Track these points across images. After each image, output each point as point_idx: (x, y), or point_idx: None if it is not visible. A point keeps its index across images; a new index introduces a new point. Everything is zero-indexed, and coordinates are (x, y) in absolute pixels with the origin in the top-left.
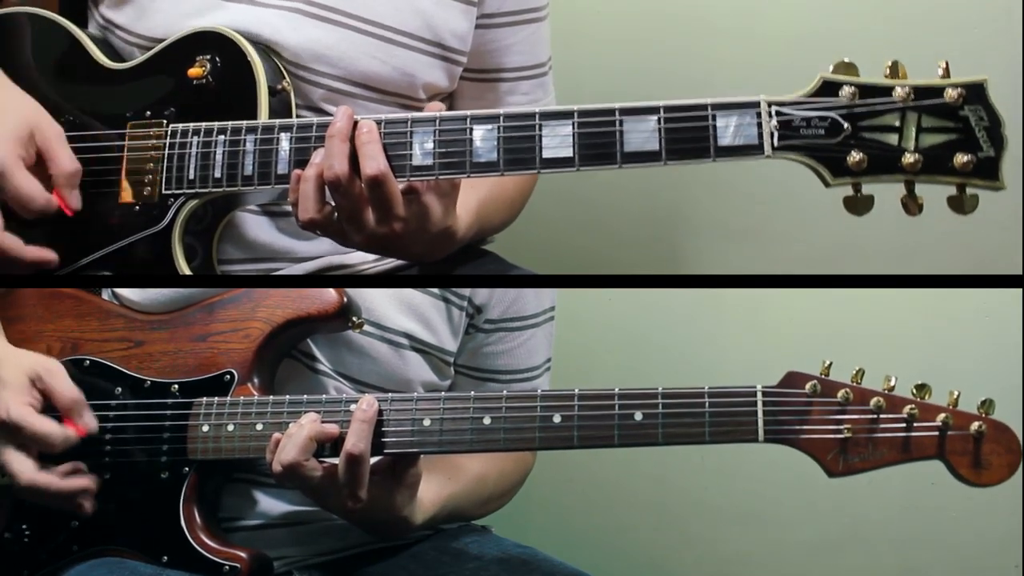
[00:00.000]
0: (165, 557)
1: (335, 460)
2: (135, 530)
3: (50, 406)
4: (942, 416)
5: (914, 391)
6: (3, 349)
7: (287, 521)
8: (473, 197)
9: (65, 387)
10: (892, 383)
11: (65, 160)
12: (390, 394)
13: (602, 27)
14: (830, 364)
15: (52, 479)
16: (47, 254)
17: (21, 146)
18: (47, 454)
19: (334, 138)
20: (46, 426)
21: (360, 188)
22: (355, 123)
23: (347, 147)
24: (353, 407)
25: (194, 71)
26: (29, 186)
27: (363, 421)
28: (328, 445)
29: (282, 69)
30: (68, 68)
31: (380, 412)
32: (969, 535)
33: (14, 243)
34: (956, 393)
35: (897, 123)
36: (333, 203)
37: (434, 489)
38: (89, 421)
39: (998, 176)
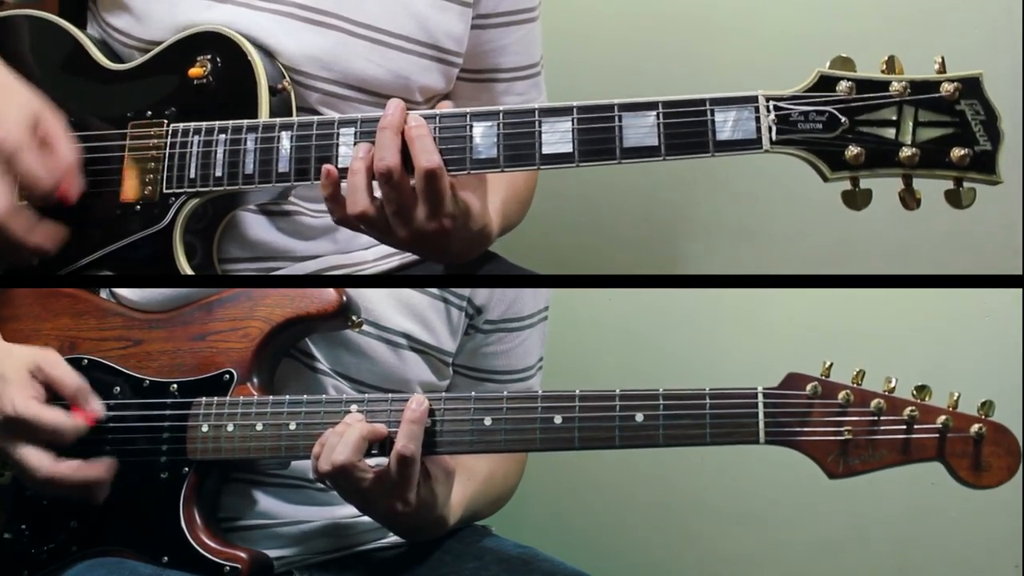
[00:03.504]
0: (165, 557)
1: (380, 461)
2: (135, 530)
3: (53, 397)
4: (942, 418)
5: (914, 393)
6: (0, 346)
7: (287, 521)
8: (497, 199)
9: (67, 375)
10: (892, 384)
11: (67, 149)
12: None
13: (601, 27)
14: (830, 365)
15: (70, 469)
16: (47, 243)
17: (30, 130)
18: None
19: (386, 130)
20: (55, 417)
21: (410, 182)
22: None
23: (399, 140)
24: (354, 407)
25: (195, 71)
26: (39, 169)
27: (413, 422)
28: (377, 445)
29: (282, 69)
30: (69, 69)
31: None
32: (969, 535)
33: (20, 226)
34: (956, 395)
35: (894, 117)
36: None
37: (459, 490)
38: (96, 407)
39: (995, 170)
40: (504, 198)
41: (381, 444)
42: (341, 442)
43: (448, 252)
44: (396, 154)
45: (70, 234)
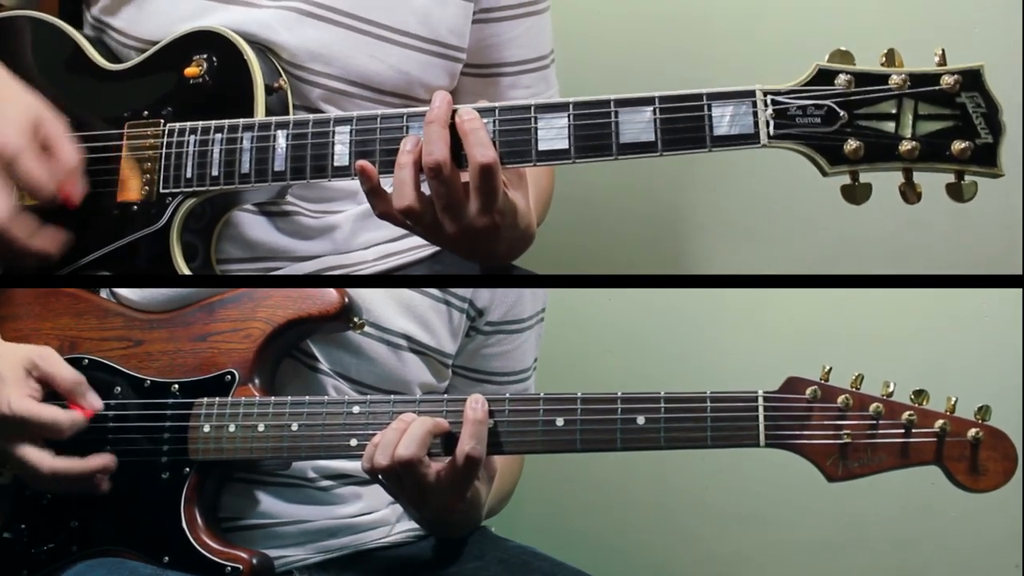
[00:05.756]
0: (166, 558)
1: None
2: (135, 530)
3: (51, 394)
4: (940, 423)
5: (912, 397)
6: None
7: (288, 521)
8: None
9: (63, 370)
10: (891, 389)
11: (69, 152)
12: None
13: (600, 25)
14: (830, 369)
15: (73, 462)
16: (50, 247)
17: (30, 135)
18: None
19: (434, 124)
20: (52, 413)
21: (460, 176)
22: (453, 110)
23: (447, 133)
24: (356, 409)
25: (190, 70)
26: (40, 173)
27: (479, 422)
28: (441, 445)
29: (278, 67)
30: (66, 69)
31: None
32: (969, 535)
33: (22, 231)
34: (953, 400)
35: (894, 111)
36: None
37: (484, 486)
38: (93, 401)
39: (996, 163)
40: (534, 198)
41: (445, 443)
42: (407, 436)
43: (495, 252)
44: (446, 148)
45: (71, 236)
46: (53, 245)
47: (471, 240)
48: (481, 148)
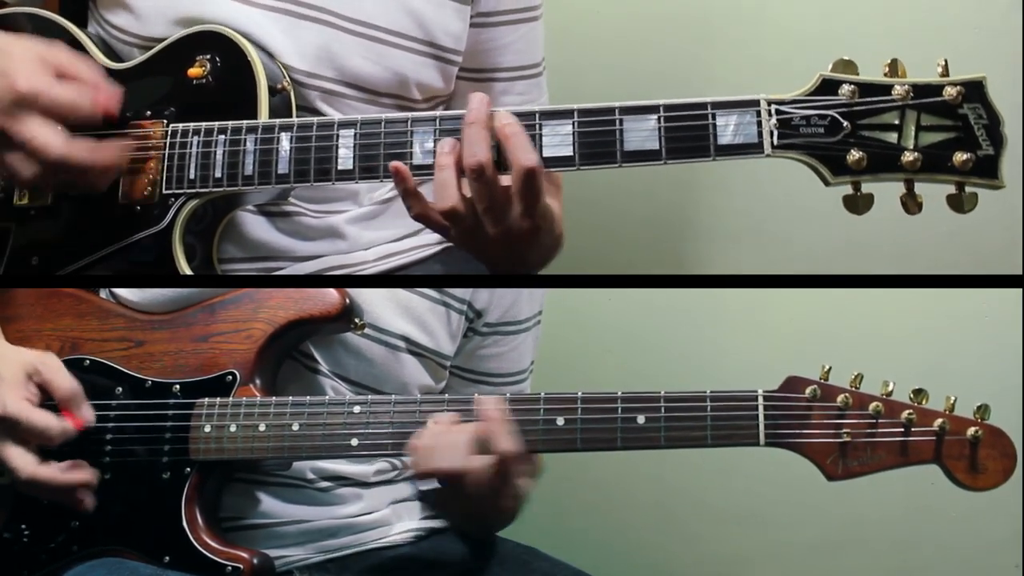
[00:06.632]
0: (167, 557)
1: None
2: (136, 530)
3: (47, 400)
4: (939, 421)
5: (911, 396)
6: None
7: (288, 521)
8: None
9: (63, 379)
10: (890, 388)
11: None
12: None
13: (602, 28)
14: (829, 368)
15: (53, 473)
16: (114, 159)
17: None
18: (46, 449)
19: (474, 125)
20: (44, 419)
21: (500, 179)
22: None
23: (488, 135)
24: (357, 409)
25: (194, 71)
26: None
27: (501, 421)
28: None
29: (282, 68)
30: None
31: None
32: (969, 535)
33: (83, 150)
34: (953, 398)
35: (896, 121)
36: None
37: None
38: (87, 413)
39: (997, 175)
40: None
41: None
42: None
43: (528, 256)
44: (487, 149)
45: (71, 239)
46: (115, 155)
47: (510, 243)
48: (525, 152)
